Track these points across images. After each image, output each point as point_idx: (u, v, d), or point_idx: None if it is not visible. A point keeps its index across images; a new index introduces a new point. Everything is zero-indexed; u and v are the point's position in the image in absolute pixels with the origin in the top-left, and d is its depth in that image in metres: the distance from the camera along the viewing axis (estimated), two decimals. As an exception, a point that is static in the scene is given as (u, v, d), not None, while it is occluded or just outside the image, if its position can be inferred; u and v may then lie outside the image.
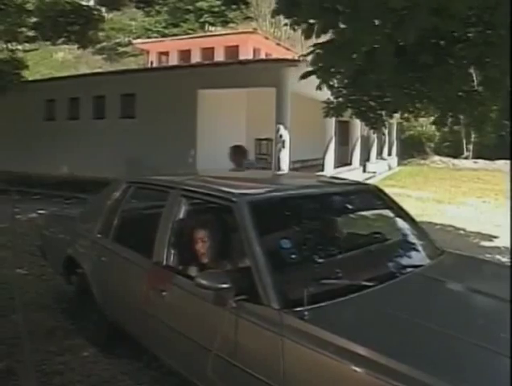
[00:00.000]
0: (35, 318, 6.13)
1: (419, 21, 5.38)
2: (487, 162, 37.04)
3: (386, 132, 29.85)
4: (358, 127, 25.57)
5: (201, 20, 48.61)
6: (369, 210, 5.88)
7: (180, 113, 19.12)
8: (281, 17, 7.16)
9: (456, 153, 42.43)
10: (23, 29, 19.72)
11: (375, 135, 27.25)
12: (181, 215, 4.49)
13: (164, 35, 44.43)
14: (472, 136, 38.59)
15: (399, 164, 37.81)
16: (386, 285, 3.73)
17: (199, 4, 48.55)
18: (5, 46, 21.51)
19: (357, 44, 6.10)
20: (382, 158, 33.55)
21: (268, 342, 3.23)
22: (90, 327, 5.63)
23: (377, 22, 6.04)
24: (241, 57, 26.94)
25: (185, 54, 31.59)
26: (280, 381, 3.08)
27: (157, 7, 46.24)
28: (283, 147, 17.36)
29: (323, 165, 21.50)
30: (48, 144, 22.58)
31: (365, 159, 28.65)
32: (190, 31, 45.25)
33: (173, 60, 32.38)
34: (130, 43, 45.66)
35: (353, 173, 22.79)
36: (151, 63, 33.27)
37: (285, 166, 17.31)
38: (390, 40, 5.93)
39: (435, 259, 4.54)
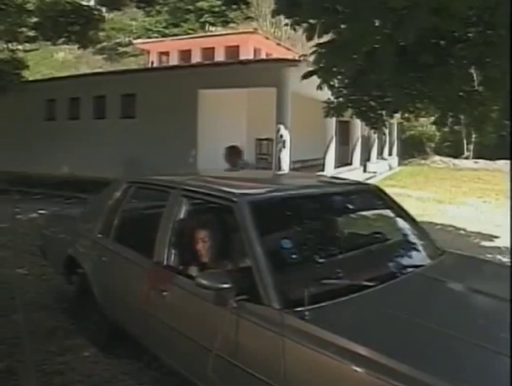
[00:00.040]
0: (35, 317, 6.14)
1: (419, 21, 5.38)
2: (488, 162, 37.02)
3: (387, 132, 29.82)
4: (359, 127, 25.56)
5: (202, 20, 48.59)
6: (370, 210, 5.88)
7: (181, 113, 19.12)
8: (281, 17, 7.16)
9: (457, 153, 42.44)
10: (24, 29, 19.69)
11: (376, 135, 27.27)
12: (182, 215, 4.49)
13: (165, 35, 44.42)
14: (473, 136, 38.57)
15: (400, 164, 37.80)
16: (386, 285, 3.73)
17: (199, 4, 48.53)
18: (5, 46, 21.51)
19: (358, 44, 6.10)
20: (383, 158, 33.55)
21: (269, 343, 3.23)
22: (91, 327, 5.63)
23: (377, 22, 6.04)
24: (242, 57, 26.93)
25: (186, 54, 31.60)
26: (281, 381, 3.08)
27: (157, 7, 46.15)
28: (284, 147, 17.35)
29: (323, 165, 21.50)
30: (49, 144, 22.59)
31: (365, 159, 28.65)
32: (190, 31, 45.24)
33: (173, 60, 32.38)
34: (130, 43, 45.67)
35: (353, 173, 22.80)
36: (152, 63, 33.26)
37: (285, 165, 17.31)
38: (390, 40, 5.93)
39: (436, 259, 4.54)
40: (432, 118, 9.14)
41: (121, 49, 51.48)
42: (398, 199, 5.24)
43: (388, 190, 5.37)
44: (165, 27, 50.13)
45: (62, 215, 8.18)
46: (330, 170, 21.14)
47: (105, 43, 47.08)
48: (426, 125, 41.17)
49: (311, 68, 7.13)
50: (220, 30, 44.76)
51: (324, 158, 21.67)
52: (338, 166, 22.81)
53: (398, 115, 9.28)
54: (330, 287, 3.49)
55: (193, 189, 4.58)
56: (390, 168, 33.39)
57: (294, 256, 3.69)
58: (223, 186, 4.50)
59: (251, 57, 27.52)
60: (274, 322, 3.22)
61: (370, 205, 5.41)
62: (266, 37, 32.71)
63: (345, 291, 3.47)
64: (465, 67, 6.48)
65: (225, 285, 3.44)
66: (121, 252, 5.04)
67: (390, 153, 36.59)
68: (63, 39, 20.28)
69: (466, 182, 25.13)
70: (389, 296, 3.65)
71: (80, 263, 5.72)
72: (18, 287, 6.80)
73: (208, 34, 39.33)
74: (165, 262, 4.37)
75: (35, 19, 18.80)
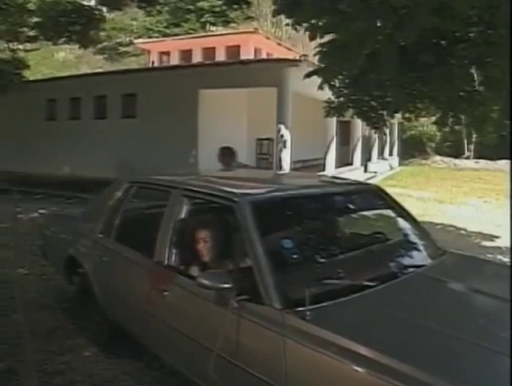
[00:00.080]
0: (36, 317, 6.13)
1: (420, 20, 5.38)
2: (488, 162, 37.06)
3: (388, 132, 29.83)
4: (359, 127, 25.58)
5: (202, 20, 48.58)
6: (371, 210, 5.87)
7: (181, 113, 19.14)
8: (282, 17, 7.18)
9: (458, 153, 42.47)
10: (25, 29, 19.69)
11: (376, 135, 27.29)
12: (183, 215, 4.49)
13: (165, 35, 44.42)
14: (474, 136, 38.58)
15: (400, 164, 37.83)
16: (387, 285, 3.72)
17: (200, 4, 48.50)
18: (6, 45, 21.50)
19: (359, 44, 6.10)
20: (383, 158, 33.57)
21: (270, 343, 3.23)
22: (91, 327, 5.63)
23: (378, 22, 6.05)
24: (243, 57, 26.93)
25: (186, 54, 31.60)
26: (282, 381, 3.08)
27: (158, 7, 46.11)
28: (284, 147, 17.36)
29: (324, 165, 21.51)
30: (49, 144, 22.61)
31: (366, 159, 28.67)
32: (191, 31, 45.23)
33: (174, 60, 32.38)
34: (131, 43, 45.70)
35: (354, 173, 22.80)
36: (152, 62, 33.26)
37: (286, 165, 17.31)
38: (390, 40, 5.93)
39: (437, 259, 4.54)
40: (433, 118, 9.14)
41: (122, 49, 51.52)
42: (398, 199, 5.23)
43: (389, 190, 5.37)
44: (166, 27, 50.13)
45: (63, 214, 8.19)
46: (331, 170, 21.15)
47: (105, 43, 47.12)
48: (426, 125, 41.24)
49: (312, 68, 7.14)
50: (220, 30, 44.76)
51: (324, 158, 21.68)
52: (339, 166, 22.82)
53: (398, 115, 9.28)
54: (331, 287, 3.49)
55: (194, 189, 4.58)
56: (391, 168, 33.40)
57: (295, 256, 3.69)
58: (224, 186, 4.50)
59: (252, 57, 27.52)
60: (275, 322, 3.22)
61: (371, 205, 5.40)
62: (266, 37, 32.71)
63: (346, 291, 3.47)
64: (466, 67, 6.48)
65: (226, 285, 3.45)
66: (122, 252, 5.04)
67: (391, 153, 36.61)
68: (64, 39, 20.26)
69: (467, 182, 25.14)
70: (390, 296, 3.65)
71: (80, 263, 5.72)
72: (18, 287, 6.80)
73: (209, 34, 39.31)
74: (166, 262, 4.37)
75: (35, 19, 18.79)
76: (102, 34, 26.83)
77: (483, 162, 37.77)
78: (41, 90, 23.26)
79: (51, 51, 48.27)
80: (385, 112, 8.17)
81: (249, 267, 3.60)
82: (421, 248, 4.70)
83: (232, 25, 48.13)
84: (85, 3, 19.70)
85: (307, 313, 3.08)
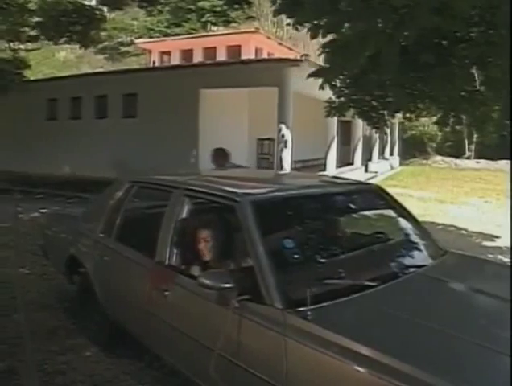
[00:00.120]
0: (36, 317, 6.13)
1: (421, 20, 5.38)
2: (489, 162, 37.06)
3: (388, 132, 29.83)
4: (360, 127, 25.58)
5: (203, 20, 48.55)
6: (372, 210, 5.87)
7: (182, 113, 19.14)
8: (283, 16, 7.18)
9: (458, 153, 42.46)
10: (26, 28, 19.70)
11: (377, 135, 27.30)
12: (184, 215, 4.49)
13: (166, 35, 44.42)
14: (474, 136, 38.58)
15: (401, 164, 37.84)
16: (388, 285, 3.72)
17: (201, 4, 48.48)
18: (7, 45, 21.51)
19: (360, 44, 6.10)
20: (384, 158, 33.58)
21: (271, 342, 3.23)
22: (92, 327, 5.63)
23: (379, 22, 6.04)
24: (243, 57, 26.94)
25: (187, 53, 31.60)
26: (283, 381, 3.08)
27: (159, 7, 46.10)
28: (285, 147, 17.35)
29: (325, 165, 21.51)
30: (50, 143, 22.61)
31: (367, 159, 28.66)
32: (192, 31, 45.22)
33: (175, 60, 32.40)
34: (131, 43, 45.72)
35: (354, 173, 22.78)
36: (153, 62, 33.29)
37: (287, 165, 17.31)
38: (391, 40, 5.93)
39: (438, 259, 4.54)
40: (434, 118, 9.14)
41: (123, 49, 51.49)
42: (399, 199, 5.23)
43: (389, 190, 5.37)
44: (167, 27, 50.12)
45: (64, 214, 8.20)
46: (331, 169, 21.14)
47: (106, 43, 47.15)
48: (427, 124, 41.21)
49: (313, 68, 7.15)
50: (221, 29, 44.77)
51: (325, 158, 21.68)
52: (339, 166, 22.82)
53: (399, 115, 9.29)
54: (332, 287, 3.49)
55: (195, 189, 4.58)
56: (392, 168, 33.40)
57: (296, 255, 3.69)
58: (225, 185, 4.49)
59: (253, 57, 27.54)
60: (276, 321, 3.22)
61: (372, 205, 5.40)
62: (267, 36, 32.72)
63: (347, 291, 3.47)
64: (467, 67, 6.48)
65: (227, 285, 3.45)
66: (123, 252, 5.04)
67: (392, 153, 36.62)
68: (64, 39, 20.27)
69: (468, 182, 25.15)
70: (391, 296, 3.65)
71: (81, 262, 5.72)
72: (19, 287, 6.80)
73: (210, 33, 39.34)
74: (167, 262, 4.36)
75: (36, 19, 18.80)
76: (103, 33, 26.84)
77: (484, 162, 37.77)
78: (42, 90, 23.26)
79: (52, 50, 48.25)
80: (386, 112, 8.18)
81: (250, 267, 3.60)
82: (422, 248, 4.70)
83: (233, 25, 48.11)
84: (86, 3, 19.71)
85: (309, 313, 3.08)
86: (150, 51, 35.65)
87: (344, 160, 25.29)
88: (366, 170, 27.47)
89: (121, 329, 5.19)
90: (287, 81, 17.28)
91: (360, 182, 6.37)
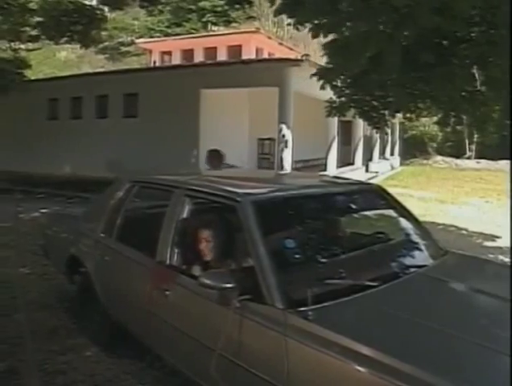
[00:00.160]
0: (37, 317, 6.13)
1: (421, 20, 5.38)
2: (490, 162, 37.07)
3: (389, 132, 29.83)
4: (361, 127, 25.61)
5: (204, 20, 48.58)
6: (373, 210, 5.86)
7: (183, 113, 19.14)
8: (284, 16, 7.18)
9: (459, 154, 42.47)
10: (26, 28, 19.69)
11: (378, 135, 27.30)
12: (185, 215, 4.49)
13: (167, 35, 44.46)
14: (475, 136, 38.59)
15: (402, 164, 37.86)
16: (389, 285, 3.72)
17: (201, 4, 48.50)
18: (8, 45, 21.51)
19: (361, 44, 6.10)
20: (385, 158, 33.59)
21: (272, 342, 3.23)
22: (93, 327, 5.63)
23: (380, 22, 6.04)
24: (244, 57, 26.97)
25: (188, 53, 31.62)
26: (284, 381, 3.08)
27: (160, 7, 46.11)
28: (286, 147, 17.35)
29: (325, 165, 21.51)
30: (51, 143, 22.61)
31: (367, 159, 28.66)
32: (193, 31, 45.26)
33: (176, 60, 32.43)
34: (132, 43, 45.75)
35: (355, 173, 22.78)
36: (154, 62, 33.30)
37: (287, 165, 17.31)
38: (390, 40, 5.93)
39: (439, 259, 4.54)
40: (434, 118, 9.15)
41: (124, 48, 51.51)
42: (400, 199, 5.23)
43: (390, 190, 5.36)
44: (167, 27, 50.15)
45: (64, 214, 8.20)
46: (332, 169, 21.14)
47: (107, 43, 47.20)
48: (428, 124, 41.22)
49: (314, 68, 7.16)
50: (222, 29, 44.80)
51: (326, 158, 21.68)
52: (340, 166, 22.83)
53: (400, 115, 9.29)
54: (333, 287, 3.49)
55: (196, 188, 4.58)
56: (392, 168, 33.41)
57: (297, 255, 3.69)
58: (226, 185, 4.49)
59: (253, 57, 27.58)
60: (277, 321, 3.22)
61: (373, 205, 5.40)
62: (268, 36, 32.75)
63: (348, 291, 3.47)
64: (468, 67, 6.48)
65: (228, 285, 3.44)
66: (124, 252, 5.04)
67: (392, 153, 36.64)
68: (65, 39, 20.26)
69: (468, 182, 25.15)
70: (392, 296, 3.65)
71: (82, 262, 5.72)
72: (20, 286, 6.80)
73: (211, 33, 39.40)
74: (168, 262, 4.37)
75: (37, 18, 18.79)
76: (104, 33, 26.85)
77: (484, 162, 37.78)
78: (43, 89, 23.25)
79: (52, 50, 48.25)
80: (386, 112, 8.18)
81: (251, 267, 3.60)
82: (423, 248, 4.70)
83: (233, 25, 48.14)
84: (87, 3, 19.69)
85: (310, 313, 3.07)
86: (150, 51, 35.66)
87: (345, 160, 25.30)
88: (367, 170, 27.47)
89: (122, 329, 5.19)
90: (288, 81, 17.28)
91: (361, 182, 6.36)
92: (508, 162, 26.99)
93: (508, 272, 4.20)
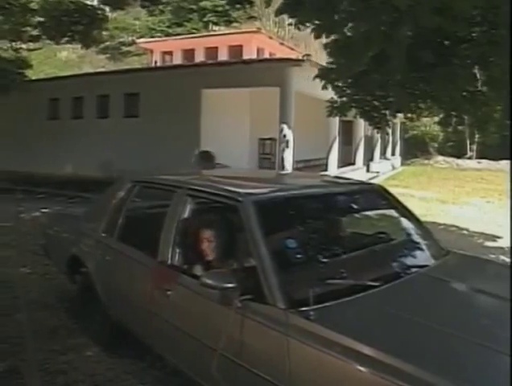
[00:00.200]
0: (38, 317, 6.13)
1: (422, 20, 5.38)
2: (491, 162, 37.06)
3: (390, 132, 29.83)
4: (362, 127, 25.61)
5: (205, 19, 48.61)
6: (374, 210, 5.87)
7: (184, 113, 19.14)
8: (285, 16, 7.18)
9: (460, 154, 42.45)
10: (27, 28, 19.72)
11: (379, 135, 27.29)
12: (186, 215, 4.49)
13: (168, 35, 44.47)
14: (476, 136, 38.58)
15: (403, 164, 37.85)
16: (391, 285, 3.72)
17: (202, 3, 48.54)
18: (9, 45, 21.52)
19: (363, 44, 6.10)
20: (386, 158, 33.59)
21: (273, 342, 3.23)
22: (94, 326, 5.62)
23: (381, 22, 6.04)
24: (245, 57, 26.98)
25: (189, 53, 31.60)
26: (286, 381, 3.08)
27: (161, 7, 46.19)
28: (287, 147, 17.35)
29: (326, 165, 21.50)
30: (52, 143, 22.61)
31: (368, 159, 28.65)
32: (194, 31, 45.28)
33: (177, 60, 32.43)
34: (133, 43, 45.74)
35: (356, 173, 22.77)
36: (155, 62, 33.30)
37: (288, 165, 17.31)
38: (392, 39, 5.92)
39: (440, 259, 4.53)
40: (436, 118, 9.16)
41: (125, 48, 51.54)
42: (401, 199, 5.22)
43: (391, 190, 5.36)
44: (168, 27, 50.18)
45: (65, 214, 8.19)
46: (333, 169, 21.14)
47: (108, 43, 47.24)
48: (429, 124, 41.23)
49: (315, 68, 7.16)
50: (223, 29, 44.83)
51: (327, 158, 21.68)
52: (341, 166, 22.83)
53: (401, 115, 9.29)
54: (335, 287, 3.49)
55: (198, 188, 4.57)
56: (393, 168, 33.41)
57: (298, 255, 3.68)
58: (228, 185, 4.48)
59: (254, 57, 27.56)
60: (278, 321, 3.22)
61: (374, 205, 5.40)
62: (269, 36, 32.76)
63: (350, 291, 3.47)
64: (469, 67, 6.48)
65: (230, 285, 3.45)
66: (126, 252, 5.04)
67: (393, 153, 36.63)
68: (66, 39, 20.31)
69: (469, 182, 25.14)
70: (393, 296, 3.65)
71: (83, 262, 5.71)
72: (21, 286, 6.80)
73: (212, 33, 39.46)
74: (169, 261, 4.36)
75: (38, 18, 18.82)
76: (105, 33, 26.89)
77: (485, 162, 37.78)
78: (43, 89, 23.26)
79: (53, 50, 48.28)
80: (387, 112, 8.18)
81: (252, 267, 3.60)
82: (424, 248, 4.69)
83: (234, 24, 48.17)
84: (88, 3, 19.74)
85: (311, 313, 3.07)
86: (151, 51, 35.66)
87: (346, 160, 25.28)
88: (368, 170, 27.45)
89: (123, 329, 5.19)
90: (289, 81, 17.28)
91: (362, 182, 6.37)
92: (509, 162, 27.04)
93: (510, 272, 4.20)
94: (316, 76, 7.51)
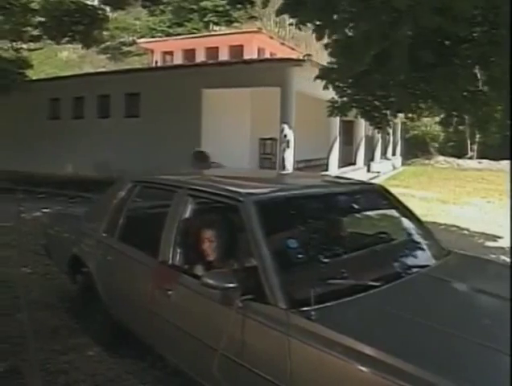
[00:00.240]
0: (39, 316, 6.13)
1: (422, 19, 5.37)
2: (491, 162, 37.02)
3: (391, 132, 29.81)
4: (363, 127, 25.61)
5: (205, 19, 48.60)
6: (375, 210, 5.86)
7: (185, 113, 19.14)
8: (285, 16, 7.18)
9: (461, 154, 42.43)
10: (28, 28, 19.73)
11: (379, 135, 27.28)
12: (187, 215, 4.49)
13: (168, 35, 44.48)
14: (477, 136, 38.55)
15: (403, 164, 37.82)
16: (392, 285, 3.72)
17: (203, 3, 48.53)
18: (10, 45, 21.53)
19: (365, 44, 6.09)
20: (386, 158, 33.57)
21: (275, 342, 3.23)
22: (95, 326, 5.63)
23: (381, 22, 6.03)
24: (246, 57, 27.01)
25: (189, 53, 31.60)
26: (287, 381, 3.08)
27: (161, 7, 46.17)
28: (288, 147, 17.36)
29: (327, 164, 21.50)
30: (53, 143, 22.62)
31: (369, 159, 28.63)
32: (194, 31, 45.29)
33: (177, 60, 32.43)
34: (134, 43, 45.77)
35: (357, 173, 22.77)
36: (156, 62, 33.31)
37: (289, 165, 17.32)
38: (392, 39, 5.92)
39: (441, 259, 4.53)
40: (436, 118, 9.17)
41: (125, 48, 51.56)
42: (401, 199, 5.22)
43: (391, 190, 5.36)
44: (169, 27, 50.18)
45: (66, 214, 8.19)
46: (334, 169, 21.14)
47: (108, 43, 47.28)
48: (430, 124, 41.23)
49: (315, 68, 7.16)
50: (224, 29, 44.82)
51: (327, 158, 21.67)
52: (342, 166, 22.81)
53: (401, 115, 9.28)
54: (336, 287, 3.49)
55: (199, 188, 4.57)
56: (394, 168, 33.40)
57: (300, 255, 3.68)
58: (229, 185, 4.48)
59: (255, 57, 27.58)
60: (280, 321, 3.22)
61: (375, 205, 5.39)
62: (270, 36, 32.76)
63: (351, 291, 3.47)
64: (470, 66, 6.47)
65: (231, 285, 3.45)
66: (127, 251, 5.03)
67: (394, 153, 36.63)
68: (67, 39, 20.34)
69: (470, 182, 25.12)
70: (394, 296, 3.65)
71: (84, 262, 5.72)
72: (22, 286, 6.78)
73: (212, 33, 39.46)
74: (170, 261, 4.36)
75: (39, 18, 18.84)
76: (105, 33, 26.92)
77: (486, 162, 37.75)
78: (44, 89, 23.27)
79: (54, 50, 48.31)
80: (388, 112, 8.17)
81: (254, 266, 3.60)
82: (425, 248, 4.69)
83: (235, 24, 48.16)
84: (89, 3, 19.76)
85: (312, 313, 3.07)
86: (152, 51, 35.67)
87: (347, 160, 25.26)
88: (368, 170, 27.43)
89: (124, 328, 5.19)
90: (290, 81, 17.29)
91: (363, 182, 6.37)
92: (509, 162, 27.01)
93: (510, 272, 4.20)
94: (317, 77, 7.51)
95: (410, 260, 4.47)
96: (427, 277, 4.09)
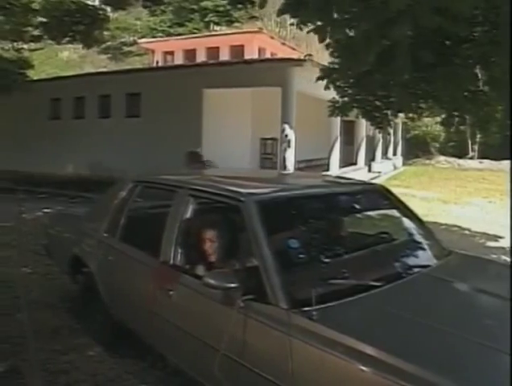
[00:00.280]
0: (39, 316, 6.12)
1: (422, 20, 5.37)
2: (492, 162, 36.98)
3: (392, 131, 29.80)
4: (363, 127, 25.61)
5: (206, 19, 48.58)
6: (376, 210, 5.86)
7: (186, 113, 19.14)
8: (286, 16, 7.17)
9: (461, 154, 42.42)
10: (29, 28, 19.75)
11: (380, 135, 27.26)
12: (188, 215, 4.48)
13: (169, 35, 44.47)
14: (478, 136, 38.55)
15: (404, 164, 37.79)
16: (393, 285, 3.72)
17: (204, 3, 48.51)
18: (11, 45, 21.54)
19: (366, 44, 6.08)
20: (387, 158, 33.56)
21: (276, 342, 3.23)
22: (95, 326, 5.62)
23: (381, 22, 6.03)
24: (247, 57, 27.00)
25: (190, 53, 31.62)
26: (288, 381, 3.08)
27: (162, 7, 46.19)
28: (289, 147, 17.36)
29: (328, 164, 21.49)
30: (53, 143, 22.62)
31: (370, 159, 28.63)
32: (195, 31, 45.28)
33: (178, 60, 32.45)
34: (134, 43, 45.80)
35: (358, 173, 22.77)
36: (156, 62, 33.32)
37: (290, 165, 17.31)
38: (392, 40, 5.91)
39: (443, 259, 4.53)
40: (437, 118, 9.18)
41: (126, 48, 51.54)
42: (402, 199, 5.22)
43: (392, 190, 5.35)
44: (170, 27, 50.16)
45: (67, 214, 8.19)
46: (335, 169, 21.14)
47: (109, 43, 47.28)
48: (430, 124, 41.21)
49: (316, 68, 7.16)
50: (224, 29, 44.81)
51: (328, 158, 21.68)
52: (343, 166, 22.82)
53: (402, 115, 9.28)
54: (337, 287, 3.49)
55: (200, 188, 4.57)
56: (395, 168, 33.38)
57: (301, 255, 3.68)
58: (230, 185, 4.48)
59: (256, 57, 27.59)
60: (281, 321, 3.22)
61: (376, 205, 5.39)
62: (270, 36, 32.76)
63: (352, 291, 3.47)
64: (471, 66, 6.47)
65: (232, 285, 3.45)
66: (128, 252, 5.03)
67: (395, 153, 36.62)
68: (68, 39, 20.37)
69: (471, 182, 25.11)
70: (395, 296, 3.65)
71: (85, 262, 5.71)
72: (22, 286, 6.78)
73: (213, 33, 39.42)
74: (171, 261, 4.36)
75: (40, 19, 18.86)
76: (106, 33, 26.96)
77: (487, 162, 37.71)
78: (45, 89, 23.27)
79: (55, 50, 48.33)
80: (389, 112, 8.17)
81: (255, 266, 3.60)
82: (426, 248, 4.69)
83: (236, 24, 48.14)
84: (89, 3, 19.76)
85: (314, 313, 3.07)
86: (153, 51, 35.70)
87: (348, 160, 25.27)
88: (369, 170, 27.43)
89: (125, 328, 5.19)
90: (291, 81, 17.29)
91: (364, 182, 6.37)
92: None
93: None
94: (319, 78, 7.51)
95: (411, 260, 4.47)
96: (428, 277, 4.09)
